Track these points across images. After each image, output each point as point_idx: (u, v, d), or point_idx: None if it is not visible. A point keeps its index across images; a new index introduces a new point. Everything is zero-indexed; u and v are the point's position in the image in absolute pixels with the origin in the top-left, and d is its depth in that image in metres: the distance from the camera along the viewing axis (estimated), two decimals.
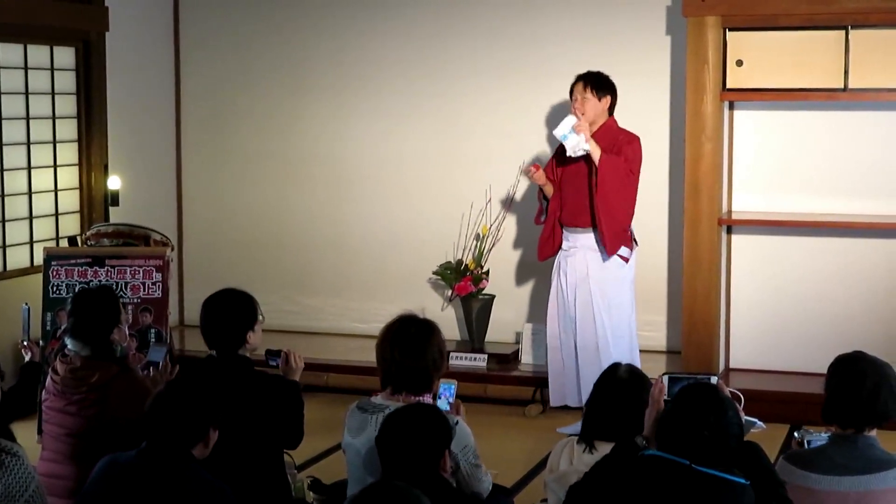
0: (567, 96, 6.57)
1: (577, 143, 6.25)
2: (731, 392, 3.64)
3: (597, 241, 6.39)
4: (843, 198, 6.95)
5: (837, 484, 3.66)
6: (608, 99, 6.43)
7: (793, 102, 6.88)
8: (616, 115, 6.65)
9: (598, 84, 6.40)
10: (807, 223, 6.89)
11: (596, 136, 6.37)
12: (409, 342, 4.06)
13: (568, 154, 6.29)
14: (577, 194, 6.42)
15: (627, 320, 6.50)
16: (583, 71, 6.51)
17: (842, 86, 6.61)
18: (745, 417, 3.56)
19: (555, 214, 6.53)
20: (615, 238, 6.35)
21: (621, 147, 6.37)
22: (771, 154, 7.07)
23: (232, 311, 4.52)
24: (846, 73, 6.59)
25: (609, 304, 6.39)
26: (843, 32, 6.56)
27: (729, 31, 6.74)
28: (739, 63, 6.74)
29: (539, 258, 6.74)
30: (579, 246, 6.42)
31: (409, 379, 4.07)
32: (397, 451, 3.54)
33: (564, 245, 6.50)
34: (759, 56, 6.73)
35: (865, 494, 3.64)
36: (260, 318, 4.58)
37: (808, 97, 6.77)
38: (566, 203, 6.48)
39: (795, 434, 4.05)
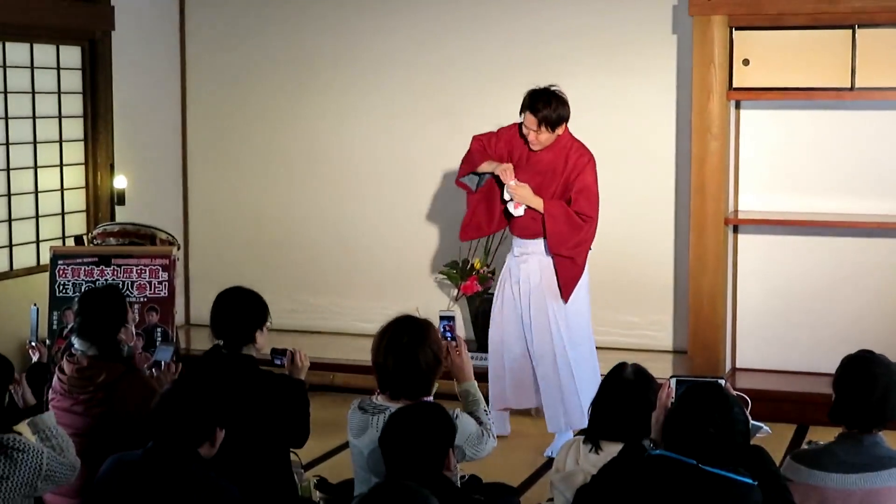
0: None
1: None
2: (737, 395, 3.63)
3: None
4: (850, 197, 6.94)
5: (843, 482, 3.66)
6: (563, 126, 6.00)
7: (799, 102, 6.87)
8: (622, 114, 6.62)
9: (554, 122, 5.93)
10: (813, 223, 6.87)
11: (546, 150, 6.02)
12: (401, 351, 4.04)
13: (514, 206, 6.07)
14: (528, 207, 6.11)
15: (585, 325, 6.21)
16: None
17: (849, 85, 6.60)
18: (751, 422, 3.55)
19: (484, 194, 6.16)
20: (570, 283, 6.06)
21: (577, 175, 5.97)
22: (777, 153, 7.06)
23: (244, 306, 4.54)
24: (853, 72, 6.58)
25: (566, 312, 6.10)
26: (850, 32, 6.55)
27: (735, 30, 6.73)
28: (746, 62, 6.74)
29: (461, 238, 6.42)
30: (531, 252, 6.12)
31: (406, 386, 4.06)
32: (401, 451, 3.54)
33: (516, 251, 6.20)
34: (766, 55, 6.72)
35: (871, 492, 3.65)
36: (269, 321, 4.59)
37: (814, 96, 6.76)
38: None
39: (805, 446, 4.04)
